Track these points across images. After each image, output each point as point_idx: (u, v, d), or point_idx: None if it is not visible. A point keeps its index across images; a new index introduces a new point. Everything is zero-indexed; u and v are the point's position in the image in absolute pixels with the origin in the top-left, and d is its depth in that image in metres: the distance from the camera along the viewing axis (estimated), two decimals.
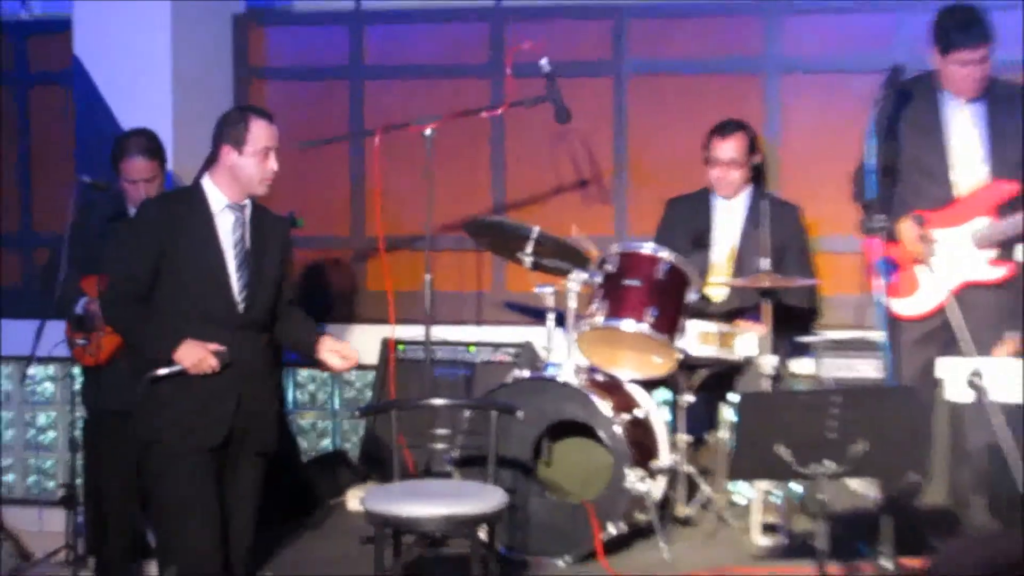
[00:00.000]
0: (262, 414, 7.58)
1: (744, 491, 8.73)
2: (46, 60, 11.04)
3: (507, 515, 7.65)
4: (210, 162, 7.50)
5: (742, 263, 9.13)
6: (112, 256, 7.90)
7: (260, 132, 7.38)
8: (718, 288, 9.12)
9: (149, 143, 8.97)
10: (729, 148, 9.20)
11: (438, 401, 8.24)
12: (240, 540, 7.58)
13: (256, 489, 7.60)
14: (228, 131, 7.40)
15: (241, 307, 7.40)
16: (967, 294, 8.08)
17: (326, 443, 10.47)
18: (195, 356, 7.22)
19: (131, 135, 9.06)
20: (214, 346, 7.24)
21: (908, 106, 8.31)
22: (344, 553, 8.51)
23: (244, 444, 7.46)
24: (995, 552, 2.16)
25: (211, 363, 7.23)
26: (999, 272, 8.18)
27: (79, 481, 9.01)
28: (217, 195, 7.40)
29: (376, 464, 9.54)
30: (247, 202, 7.47)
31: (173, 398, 7.27)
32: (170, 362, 7.24)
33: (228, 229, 7.41)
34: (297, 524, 9.05)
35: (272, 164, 7.41)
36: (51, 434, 10.85)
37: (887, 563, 7.53)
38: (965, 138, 8.34)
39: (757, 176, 9.43)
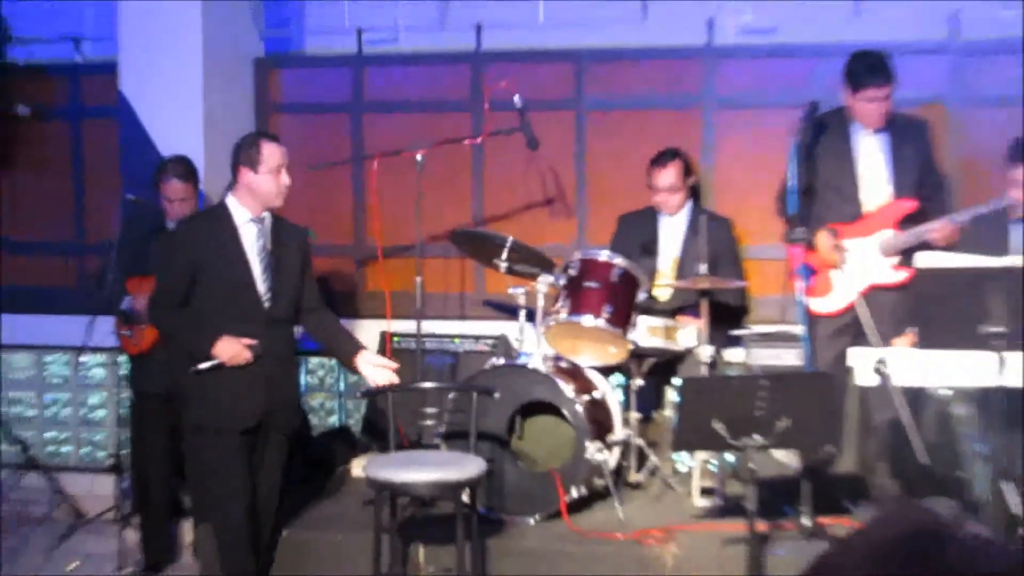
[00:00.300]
0: (288, 399, 7.70)
1: (685, 460, 8.68)
2: (97, 97, 10.95)
3: (486, 481, 7.65)
4: (232, 183, 7.48)
5: (683, 268, 9.06)
6: (156, 267, 7.82)
7: (271, 152, 7.39)
8: (663, 289, 9.05)
9: (185, 168, 9.00)
10: (667, 176, 9.14)
11: (427, 384, 8.23)
12: (268, 505, 7.68)
13: (281, 463, 7.67)
14: (244, 155, 7.40)
15: (267, 305, 7.41)
16: (873, 294, 8.04)
17: (333, 420, 10.38)
18: (232, 350, 7.28)
19: (169, 161, 9.07)
20: (247, 340, 7.27)
21: (823, 136, 8.27)
22: (349, 513, 8.44)
23: (272, 425, 7.52)
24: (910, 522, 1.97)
25: (245, 356, 7.29)
26: (900, 276, 8.11)
27: (124, 452, 8.95)
28: (240, 211, 7.41)
29: (376, 437, 9.48)
30: (266, 215, 7.47)
31: (214, 388, 7.32)
32: (209, 357, 7.24)
33: (252, 239, 7.42)
34: (310, 489, 8.95)
35: (285, 179, 7.43)
36: (101, 412, 10.73)
37: (806, 521, 7.57)
38: (872, 163, 8.34)
39: (695, 194, 9.30)
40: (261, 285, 7.41)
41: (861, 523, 2.03)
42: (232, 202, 7.45)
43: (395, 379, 7.61)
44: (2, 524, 9.79)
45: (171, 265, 7.45)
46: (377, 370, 7.61)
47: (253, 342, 7.29)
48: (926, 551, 1.90)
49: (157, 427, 8.83)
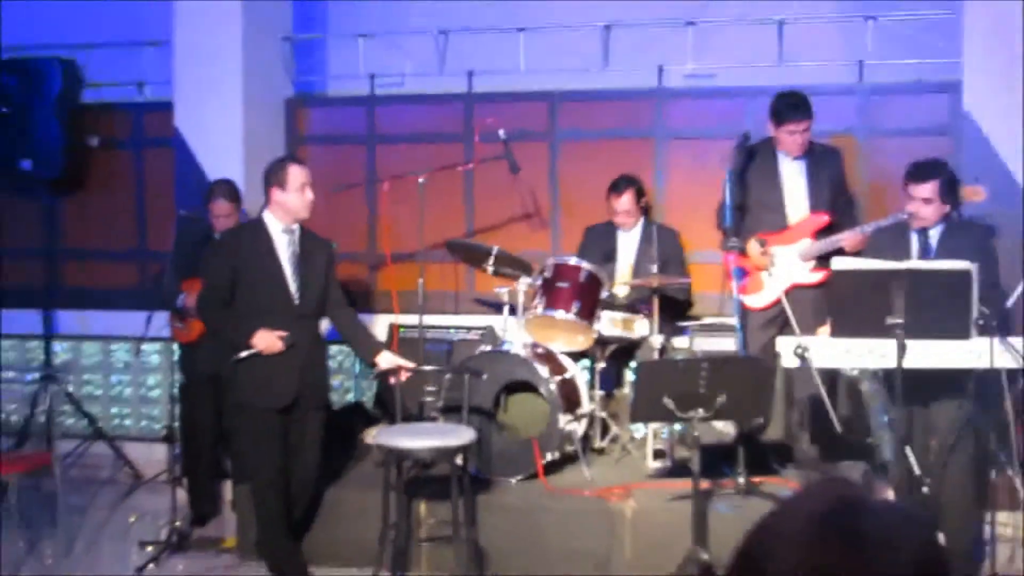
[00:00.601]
0: (318, 378, 7.70)
1: (641, 430, 8.58)
2: (156, 130, 10.90)
3: (476, 447, 7.66)
4: (266, 201, 7.49)
5: (637, 271, 9.01)
6: (204, 271, 7.84)
7: (295, 173, 7.41)
8: (622, 288, 8.97)
9: (230, 190, 9.11)
10: (624, 202, 9.11)
11: (427, 368, 8.28)
12: (308, 473, 7.69)
13: (319, 432, 7.67)
14: (274, 176, 7.44)
15: (297, 301, 7.41)
16: (795, 292, 8.01)
17: (349, 397, 10.34)
18: (267, 340, 7.29)
19: (217, 184, 9.18)
20: (280, 332, 7.28)
21: (753, 162, 8.30)
22: (363, 474, 8.47)
23: (308, 402, 7.52)
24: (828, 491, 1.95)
25: (278, 346, 7.29)
26: (817, 276, 8.09)
27: (176, 424, 8.91)
28: (275, 223, 7.44)
29: (385, 412, 9.39)
30: (296, 227, 7.47)
31: (254, 373, 7.33)
32: (248, 347, 7.25)
33: (284, 246, 7.44)
34: (330, 454, 8.90)
35: (308, 195, 7.44)
36: (156, 391, 10.75)
37: (741, 480, 7.57)
38: (793, 184, 8.33)
39: (645, 211, 9.27)
40: (292, 284, 7.41)
41: (794, 490, 2.02)
42: (268, 216, 7.47)
43: (408, 369, 7.60)
44: (74, 486, 9.73)
45: (217, 268, 7.49)
46: (393, 367, 7.57)
47: (285, 334, 7.28)
48: (847, 519, 1.89)
49: (204, 404, 8.88)
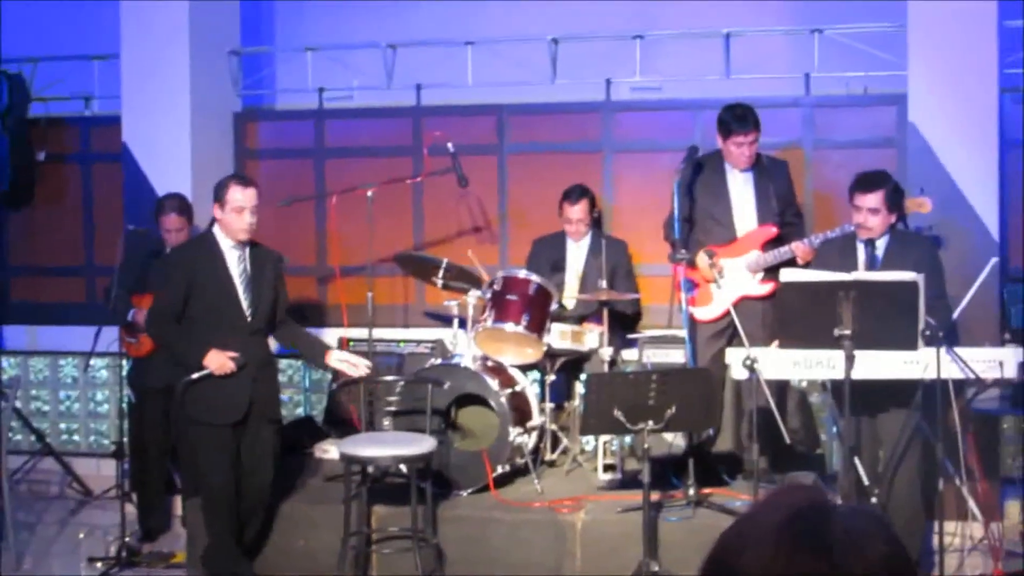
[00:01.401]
0: (270, 393, 7.65)
1: (591, 442, 8.55)
2: (103, 144, 10.83)
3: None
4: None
5: (586, 283, 8.96)
6: (157, 285, 7.87)
7: (235, 194, 7.34)
8: (570, 300, 8.94)
9: (181, 204, 9.04)
10: (577, 210, 9.04)
11: (389, 377, 8.41)
12: (263, 485, 7.62)
13: (273, 445, 7.63)
14: (217, 194, 7.41)
15: (249, 318, 7.38)
16: (744, 304, 7.99)
17: (299, 411, 10.30)
18: (218, 362, 7.23)
19: (168, 198, 9.11)
20: (231, 353, 7.23)
21: (701, 174, 8.25)
22: (315, 488, 8.38)
23: (259, 416, 7.46)
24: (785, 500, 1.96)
25: (230, 367, 7.22)
26: (766, 288, 8.05)
27: (125, 439, 8.83)
28: (224, 239, 7.38)
29: (335, 425, 9.35)
30: (246, 242, 7.42)
31: (207, 389, 7.28)
32: (201, 367, 7.21)
33: (235, 262, 7.41)
34: (280, 469, 8.86)
35: (247, 218, 7.35)
36: (105, 406, 10.71)
37: (692, 491, 7.51)
38: (741, 196, 8.27)
39: (596, 223, 9.23)
40: (244, 300, 7.38)
41: (762, 496, 2.03)
42: (217, 231, 7.41)
43: (365, 370, 7.57)
44: (22, 501, 9.64)
45: (168, 283, 7.45)
46: (345, 364, 7.55)
47: (236, 355, 7.23)
48: (813, 524, 1.90)
49: (154, 418, 8.82)
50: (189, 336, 7.33)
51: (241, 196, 7.32)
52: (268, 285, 7.53)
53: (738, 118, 8.05)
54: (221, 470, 7.34)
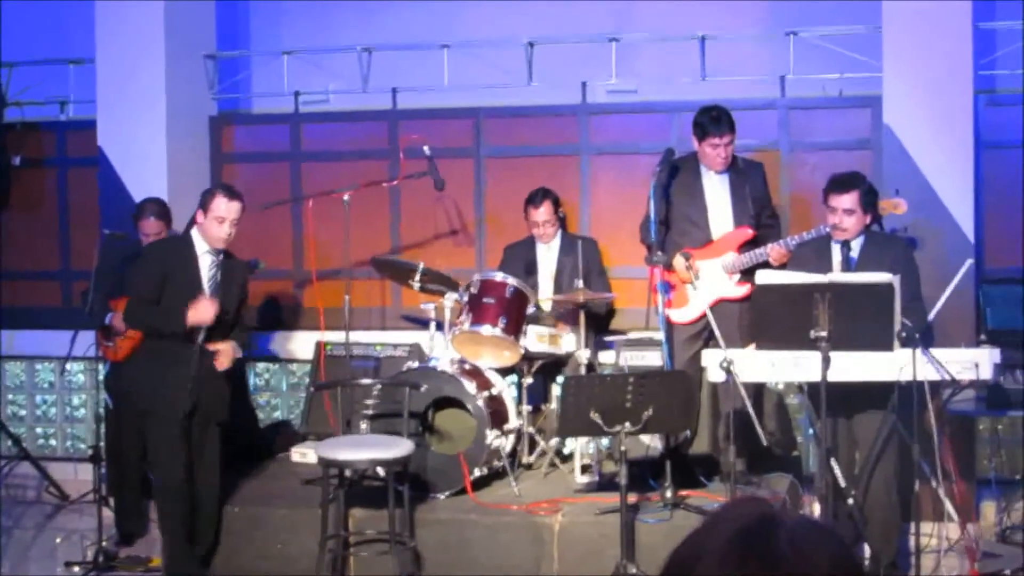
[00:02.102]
0: (218, 396, 7.61)
1: (568, 444, 8.54)
2: (79, 148, 10.79)
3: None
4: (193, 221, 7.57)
5: (560, 284, 8.98)
6: (130, 280, 7.84)
7: (219, 205, 7.39)
8: (546, 303, 8.93)
9: (160, 209, 9.01)
10: (543, 212, 9.05)
11: (367, 380, 8.38)
12: (209, 483, 7.69)
13: (217, 446, 7.68)
14: (202, 199, 7.48)
15: (211, 322, 7.39)
16: (721, 306, 7.96)
17: (276, 414, 10.26)
18: (199, 314, 7.31)
19: (147, 202, 9.10)
20: (209, 301, 7.36)
21: (678, 176, 8.23)
22: (291, 490, 8.34)
23: (207, 414, 7.54)
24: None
25: (211, 314, 7.34)
26: (742, 290, 8.04)
27: (102, 444, 8.84)
28: (200, 243, 7.46)
29: (311, 428, 9.31)
30: (221, 250, 7.51)
31: (153, 380, 7.45)
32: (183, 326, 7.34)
33: (207, 267, 7.48)
34: (256, 470, 8.87)
35: (226, 228, 7.42)
36: (82, 411, 10.68)
37: (668, 493, 7.51)
38: (717, 198, 8.25)
39: (562, 224, 9.22)
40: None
41: (714, 509, 2.07)
42: (195, 234, 7.51)
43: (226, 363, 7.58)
44: (0, 506, 9.60)
45: (144, 275, 7.55)
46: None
47: (214, 302, 7.34)
48: (763, 535, 1.93)
49: (131, 422, 8.65)
50: (165, 310, 7.40)
51: (225, 208, 7.39)
52: (234, 295, 7.63)
53: (713, 120, 8.03)
54: (175, 464, 7.44)
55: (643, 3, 10.08)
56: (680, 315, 8.16)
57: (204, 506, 7.67)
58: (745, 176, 8.24)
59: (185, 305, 7.32)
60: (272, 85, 10.70)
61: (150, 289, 7.44)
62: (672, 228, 8.22)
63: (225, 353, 7.54)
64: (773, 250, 7.90)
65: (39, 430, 10.76)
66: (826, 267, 7.33)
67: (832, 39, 9.52)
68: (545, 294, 9.02)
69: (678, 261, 7.99)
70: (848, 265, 7.36)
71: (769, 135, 9.47)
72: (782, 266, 7.77)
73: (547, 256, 9.16)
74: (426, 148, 9.05)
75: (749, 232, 8.15)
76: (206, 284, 7.45)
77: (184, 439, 7.48)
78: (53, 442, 10.73)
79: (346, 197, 8.81)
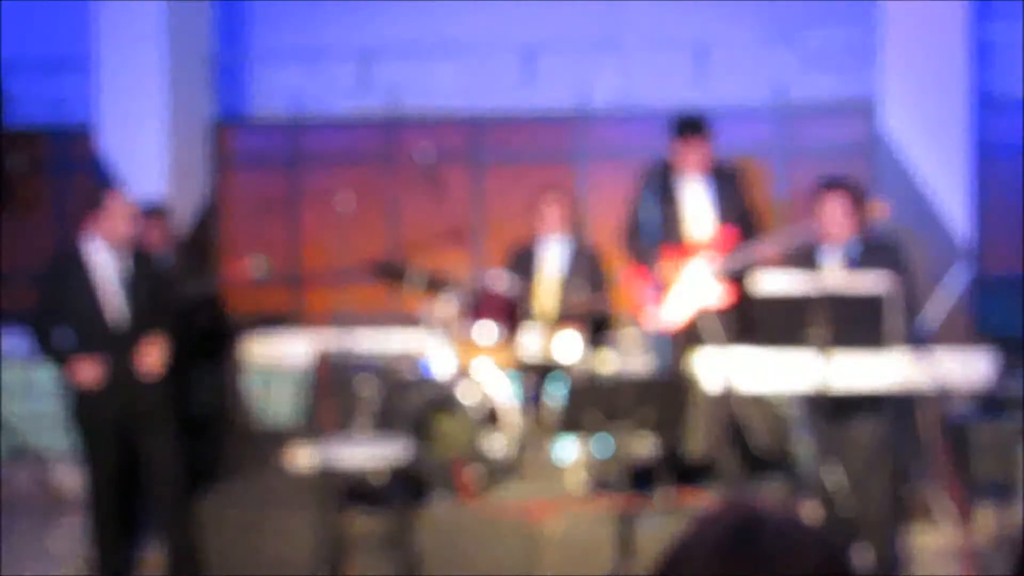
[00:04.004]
0: (156, 400, 7.47)
1: (565, 447, 8.51)
2: (78, 153, 10.83)
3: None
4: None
5: (563, 289, 8.92)
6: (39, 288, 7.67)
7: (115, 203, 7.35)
8: (547, 307, 8.91)
9: (160, 214, 8.96)
10: (557, 204, 8.97)
11: (365, 383, 8.35)
12: (166, 489, 7.58)
13: (170, 448, 7.53)
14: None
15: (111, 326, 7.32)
16: (708, 309, 7.91)
17: (275, 417, 10.23)
18: (84, 375, 7.21)
19: (146, 207, 8.91)
20: (97, 364, 7.20)
21: (659, 181, 8.27)
22: (288, 492, 8.24)
23: (147, 422, 7.43)
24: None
25: (96, 380, 7.21)
26: (728, 293, 8.11)
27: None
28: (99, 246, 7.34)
29: (310, 430, 9.29)
30: (128, 247, 7.40)
31: (80, 392, 7.28)
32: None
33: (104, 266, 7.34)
34: (254, 473, 8.89)
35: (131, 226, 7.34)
36: None
37: (664, 496, 7.58)
38: (698, 203, 8.29)
39: (572, 228, 9.22)
40: (111, 308, 7.29)
41: (702, 513, 2.10)
42: (91, 238, 7.36)
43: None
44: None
45: (43, 292, 7.44)
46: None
47: (101, 367, 7.18)
48: (749, 538, 1.96)
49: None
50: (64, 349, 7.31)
51: (124, 204, 7.36)
52: (145, 297, 7.43)
53: (689, 125, 8.09)
54: (101, 478, 7.36)
55: (641, 9, 10.09)
56: (669, 318, 8.15)
57: (171, 512, 7.60)
58: (726, 180, 8.31)
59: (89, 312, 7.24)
60: (272, 90, 10.71)
61: (51, 307, 7.34)
62: (657, 233, 8.21)
63: (149, 354, 7.37)
64: (760, 250, 7.90)
65: (38, 431, 10.72)
66: (817, 270, 7.34)
67: (828, 44, 9.53)
68: (546, 297, 9.02)
69: (665, 265, 8.00)
70: (844, 267, 7.36)
71: (764, 140, 9.48)
72: (770, 266, 7.79)
73: (552, 262, 9.14)
74: (425, 153, 9.05)
75: (732, 234, 8.16)
76: (115, 286, 7.32)
77: (116, 452, 7.35)
78: (52, 443, 10.69)
79: (345, 202, 8.78)
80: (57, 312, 7.28)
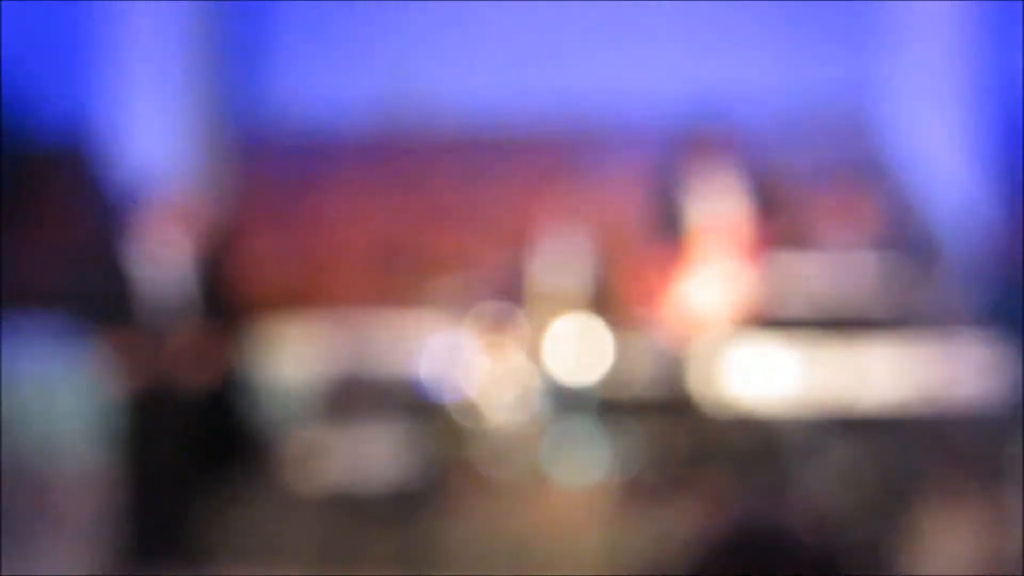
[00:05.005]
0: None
1: (577, 448, 8.54)
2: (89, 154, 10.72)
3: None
4: None
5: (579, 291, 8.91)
6: None
7: None
8: (561, 306, 8.91)
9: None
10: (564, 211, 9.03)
11: (375, 381, 8.55)
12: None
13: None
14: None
15: None
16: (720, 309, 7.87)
17: (281, 413, 10.25)
18: None
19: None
20: None
21: (668, 183, 8.30)
22: (294, 491, 8.19)
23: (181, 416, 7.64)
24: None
25: None
26: (739, 293, 8.06)
27: None
28: None
29: (318, 427, 9.30)
30: None
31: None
32: None
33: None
34: (260, 470, 8.89)
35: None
36: None
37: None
38: (708, 204, 8.25)
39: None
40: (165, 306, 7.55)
41: (703, 519, 2.12)
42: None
43: None
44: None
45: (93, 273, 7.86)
46: None
47: None
48: (745, 544, 1.96)
49: None
50: None
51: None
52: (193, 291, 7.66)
53: (699, 125, 8.08)
54: (130, 471, 7.62)
55: (650, 3, 10.06)
56: (680, 313, 8.14)
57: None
58: (738, 179, 8.24)
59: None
60: (283, 92, 10.71)
61: None
62: (667, 233, 8.21)
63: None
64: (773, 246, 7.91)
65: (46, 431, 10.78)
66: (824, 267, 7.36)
67: (832, 38, 9.50)
68: (551, 291, 9.00)
69: (678, 261, 7.99)
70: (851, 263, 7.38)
71: (770, 139, 9.45)
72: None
73: (555, 253, 9.12)
74: (442, 164, 9.06)
75: (744, 234, 8.14)
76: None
77: (144, 443, 7.55)
78: (60, 444, 10.76)
79: (366, 210, 8.81)
80: (97, 296, 7.55)
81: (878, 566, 7.17)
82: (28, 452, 10.19)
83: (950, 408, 7.68)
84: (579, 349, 8.31)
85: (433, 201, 9.89)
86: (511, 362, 8.43)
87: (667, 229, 8.19)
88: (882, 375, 6.85)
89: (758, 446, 7.56)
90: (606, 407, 6.74)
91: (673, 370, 8.02)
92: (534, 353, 8.41)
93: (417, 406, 7.98)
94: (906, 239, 8.35)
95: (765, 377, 7.00)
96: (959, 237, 8.58)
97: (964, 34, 8.70)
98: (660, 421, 6.77)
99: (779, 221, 8.55)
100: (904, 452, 7.18)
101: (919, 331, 6.86)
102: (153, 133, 10.04)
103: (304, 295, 10.45)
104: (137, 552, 7.77)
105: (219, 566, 7.66)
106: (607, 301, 8.82)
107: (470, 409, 8.02)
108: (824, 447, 6.92)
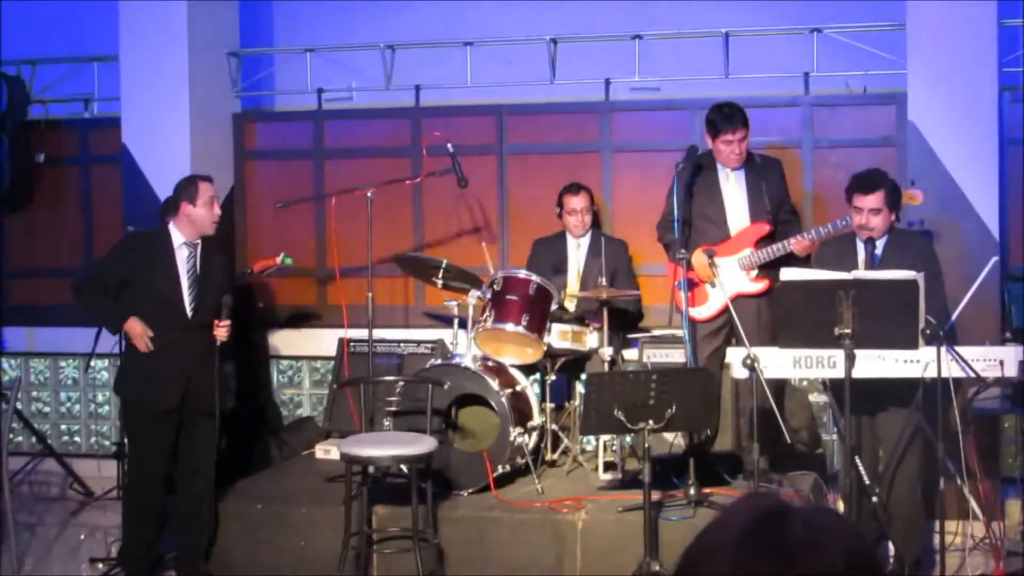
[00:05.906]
0: (206, 387, 7.60)
1: (591, 442, 8.56)
2: (102, 146, 10.82)
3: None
4: (172, 213, 7.73)
5: (586, 283, 8.92)
6: (97, 261, 8.36)
7: (205, 189, 7.64)
8: (571, 300, 8.91)
9: None
10: (579, 200, 9.04)
11: (390, 377, 8.43)
12: (198, 475, 7.77)
13: (210, 438, 7.71)
14: (185, 192, 7.66)
15: (190, 315, 7.59)
16: (738, 302, 7.75)
17: (300, 411, 10.36)
18: (138, 330, 7.50)
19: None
20: (148, 332, 7.50)
21: (699, 174, 8.14)
22: (313, 488, 8.35)
23: (194, 407, 7.64)
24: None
25: (144, 342, 7.50)
26: (760, 286, 8.04)
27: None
28: (177, 235, 7.62)
29: (335, 424, 9.30)
30: (198, 241, 7.65)
31: (142, 374, 7.61)
32: (118, 331, 7.94)
33: (184, 259, 7.63)
34: (279, 467, 8.96)
35: (216, 209, 7.69)
36: (106, 407, 10.77)
37: (692, 491, 7.46)
38: (733, 195, 8.20)
39: (595, 222, 9.21)
40: (187, 297, 7.60)
41: (731, 503, 2.11)
42: (172, 228, 7.67)
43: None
44: (24, 503, 9.64)
45: (110, 264, 7.71)
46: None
47: (151, 335, 7.48)
48: (773, 527, 1.96)
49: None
50: (115, 301, 7.58)
51: (211, 190, 7.69)
52: (215, 285, 7.72)
53: (726, 116, 8.00)
54: (151, 456, 7.59)
55: (666, 0, 10.05)
56: (699, 312, 8.10)
57: (195, 500, 7.73)
58: (761, 172, 8.18)
59: (161, 297, 7.52)
60: (295, 82, 10.70)
61: (108, 278, 7.60)
62: (691, 226, 8.17)
63: (224, 326, 7.63)
64: (798, 243, 7.85)
65: (63, 427, 10.85)
66: (850, 264, 7.31)
67: (856, 36, 9.48)
68: (572, 291, 9.01)
69: (698, 258, 7.93)
70: (872, 263, 7.33)
71: (793, 132, 9.43)
72: (807, 258, 7.75)
73: (576, 255, 9.13)
74: (449, 145, 9.03)
75: (766, 228, 8.08)
76: (184, 275, 7.59)
77: (166, 436, 7.59)
78: (77, 439, 10.80)
79: (369, 194, 8.83)
80: (115, 285, 7.57)
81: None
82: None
83: None
84: (604, 336, 8.31)
85: (450, 199, 9.88)
86: (535, 352, 8.43)
87: (693, 222, 8.15)
88: None
89: None
90: (631, 390, 6.69)
91: (698, 353, 8.03)
92: (560, 342, 8.42)
93: None
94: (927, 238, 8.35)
95: None
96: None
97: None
98: None
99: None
100: None
101: None
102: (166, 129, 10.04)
103: (314, 294, 10.47)
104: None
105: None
106: (629, 291, 8.83)
107: None
108: None
